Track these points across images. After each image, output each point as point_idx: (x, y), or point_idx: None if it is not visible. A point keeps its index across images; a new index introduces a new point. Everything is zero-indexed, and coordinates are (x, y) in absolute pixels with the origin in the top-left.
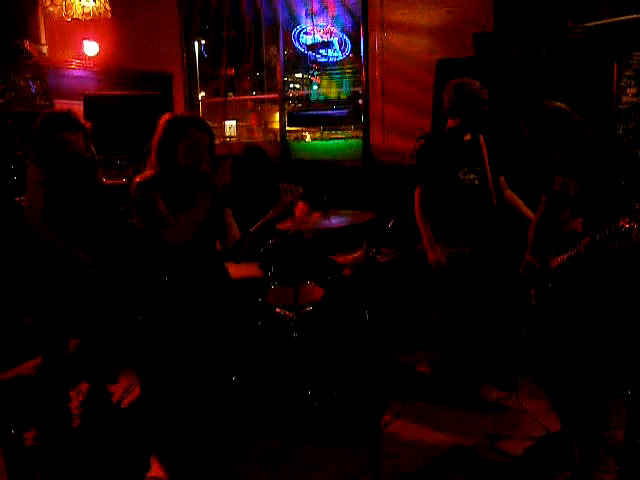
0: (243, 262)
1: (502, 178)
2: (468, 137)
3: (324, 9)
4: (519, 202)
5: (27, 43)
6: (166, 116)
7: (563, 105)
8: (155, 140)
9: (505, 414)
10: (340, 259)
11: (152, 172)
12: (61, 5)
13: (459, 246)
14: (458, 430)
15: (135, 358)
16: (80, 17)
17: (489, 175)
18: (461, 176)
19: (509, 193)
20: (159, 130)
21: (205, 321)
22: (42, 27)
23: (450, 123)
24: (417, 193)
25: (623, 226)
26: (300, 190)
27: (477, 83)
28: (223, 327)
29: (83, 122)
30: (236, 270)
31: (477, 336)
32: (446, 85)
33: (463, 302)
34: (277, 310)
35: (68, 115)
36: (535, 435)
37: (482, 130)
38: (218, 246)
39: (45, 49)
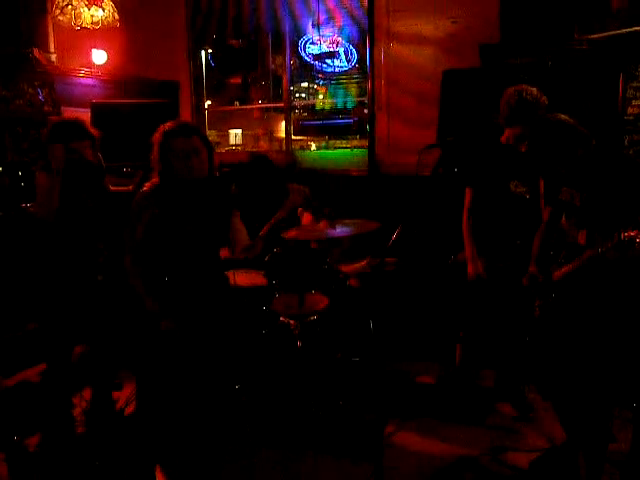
0: (250, 269)
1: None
2: (524, 148)
3: (330, 19)
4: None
5: (36, 51)
6: (159, 130)
7: (567, 117)
8: (153, 156)
9: (510, 427)
10: (345, 269)
11: (156, 181)
12: (70, 14)
13: (501, 260)
14: (461, 442)
15: (134, 364)
16: (89, 26)
17: (542, 190)
18: (512, 187)
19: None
20: (154, 146)
21: (205, 328)
22: (51, 36)
23: (507, 132)
24: (467, 198)
25: (626, 237)
26: (307, 191)
27: (535, 89)
28: (223, 334)
29: (91, 130)
30: (241, 278)
31: (493, 350)
32: (503, 93)
33: (490, 317)
34: (281, 319)
35: (77, 124)
36: (541, 447)
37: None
38: (227, 252)
39: (54, 57)
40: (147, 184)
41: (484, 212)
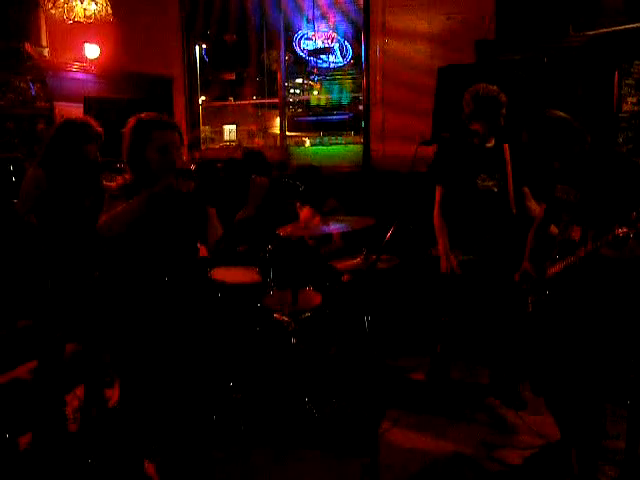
0: (243, 266)
1: (526, 189)
2: (491, 143)
3: (326, 15)
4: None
5: (28, 45)
6: (131, 120)
7: (564, 114)
8: (124, 147)
9: (504, 424)
10: (339, 265)
11: (129, 178)
12: (63, 8)
13: (473, 253)
14: (456, 438)
15: (117, 361)
16: (82, 20)
17: (510, 184)
18: (479, 182)
19: (530, 204)
20: (126, 136)
21: (185, 325)
22: (43, 29)
23: (472, 127)
24: (437, 195)
25: (619, 234)
26: (266, 184)
27: (494, 87)
28: (205, 331)
29: (98, 130)
30: (235, 275)
31: (483, 345)
32: (464, 93)
33: (467, 310)
34: (275, 315)
35: (87, 126)
36: (534, 445)
37: (506, 137)
38: (204, 251)
39: (46, 51)
40: (119, 179)
41: (454, 208)
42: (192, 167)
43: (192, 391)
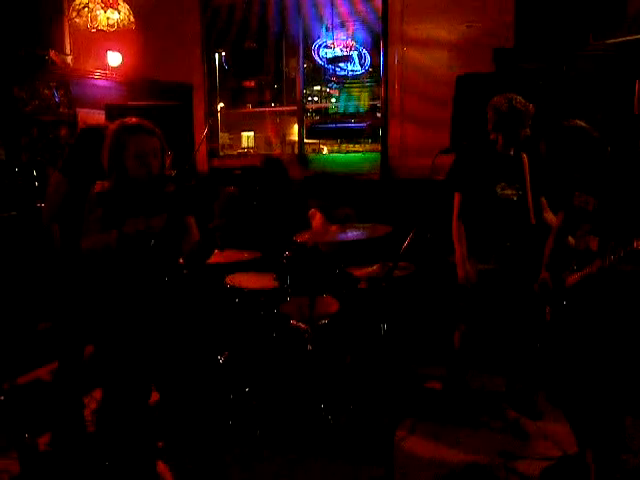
0: (261, 272)
1: (543, 199)
2: (511, 152)
3: (345, 23)
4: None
5: (52, 53)
6: (112, 125)
7: (583, 123)
8: (103, 152)
9: (521, 434)
10: (357, 272)
11: (108, 185)
12: (87, 16)
13: (490, 262)
14: (472, 448)
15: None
16: (105, 28)
17: (529, 193)
18: (498, 190)
19: (547, 214)
20: (106, 141)
21: (164, 327)
22: (67, 37)
23: (493, 137)
24: (456, 202)
25: (638, 248)
26: (236, 193)
27: (520, 98)
28: (178, 332)
29: None
30: (252, 281)
31: (500, 354)
32: (489, 103)
33: (485, 319)
34: (292, 322)
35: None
36: (551, 456)
37: (525, 146)
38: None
39: (70, 59)
40: (98, 185)
41: (473, 216)
42: (173, 173)
43: (199, 392)
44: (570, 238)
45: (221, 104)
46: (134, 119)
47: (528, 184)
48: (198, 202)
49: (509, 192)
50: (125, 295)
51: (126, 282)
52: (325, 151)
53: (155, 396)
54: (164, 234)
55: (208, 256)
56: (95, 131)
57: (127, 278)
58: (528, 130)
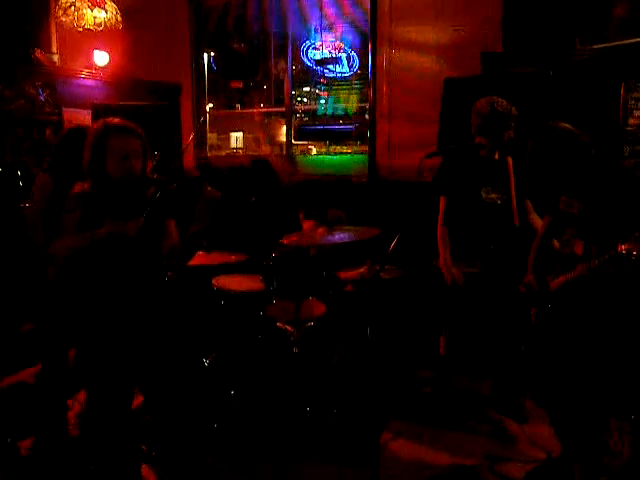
0: (247, 274)
1: (528, 202)
2: (496, 156)
3: (333, 25)
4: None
5: (38, 52)
6: (94, 125)
7: (569, 126)
8: (85, 152)
9: (506, 436)
10: (344, 275)
11: (88, 186)
12: (73, 15)
13: (476, 266)
14: (458, 451)
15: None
16: (91, 27)
17: (513, 196)
18: (483, 194)
19: (533, 217)
20: (88, 140)
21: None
22: (54, 36)
23: (477, 140)
24: (441, 206)
25: (622, 252)
26: (217, 197)
27: (505, 102)
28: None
29: None
30: (238, 282)
31: (485, 357)
32: (473, 106)
33: (470, 322)
34: (278, 324)
35: None
36: (537, 458)
37: (510, 150)
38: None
39: (56, 58)
40: (77, 186)
41: (458, 219)
42: (154, 176)
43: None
44: (555, 241)
45: (210, 105)
46: (117, 119)
47: (513, 187)
48: (178, 206)
49: (494, 196)
50: (103, 297)
51: (103, 284)
52: (314, 152)
53: (139, 399)
54: (138, 239)
55: (188, 259)
56: (81, 131)
57: (103, 280)
58: (512, 132)
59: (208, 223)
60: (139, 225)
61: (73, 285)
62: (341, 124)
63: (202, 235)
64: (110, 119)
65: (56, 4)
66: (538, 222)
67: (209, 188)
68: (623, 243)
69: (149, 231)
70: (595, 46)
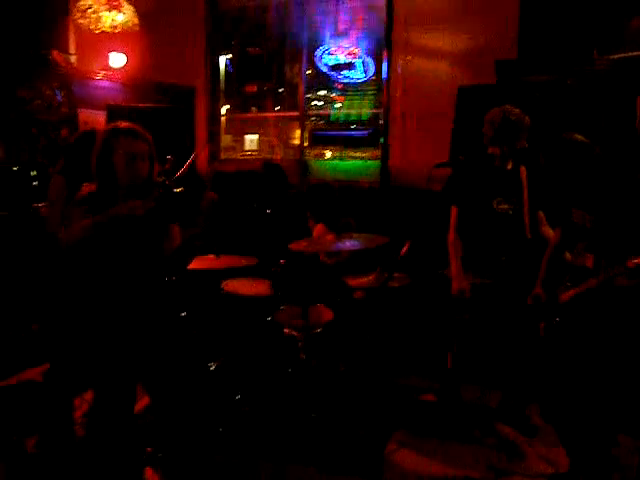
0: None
1: (541, 213)
2: (509, 166)
3: (348, 31)
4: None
5: (55, 53)
6: (103, 128)
7: (582, 137)
8: (93, 155)
9: (513, 450)
10: (352, 282)
11: (95, 188)
12: (91, 17)
13: (486, 276)
14: (463, 463)
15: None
16: (109, 29)
17: (526, 207)
18: (495, 205)
19: (545, 229)
20: (96, 145)
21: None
22: (71, 38)
23: (490, 151)
24: (452, 216)
25: (631, 267)
26: (215, 199)
27: (517, 110)
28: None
29: None
30: (247, 287)
31: (494, 369)
32: (485, 116)
33: (478, 333)
34: (285, 330)
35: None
36: (544, 473)
37: (525, 160)
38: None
39: (73, 59)
40: (85, 188)
41: (469, 230)
42: (161, 179)
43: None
44: (567, 254)
45: (227, 106)
46: (125, 123)
47: (525, 198)
48: (183, 210)
49: (505, 207)
50: (108, 291)
51: (109, 277)
52: (327, 156)
53: (145, 401)
54: (146, 218)
55: (186, 262)
56: (93, 134)
57: (110, 272)
58: (524, 142)
59: (206, 226)
60: (149, 207)
61: (85, 280)
62: (354, 129)
63: (200, 238)
64: (119, 122)
65: (74, 6)
66: (550, 234)
67: (209, 192)
68: (633, 257)
69: (155, 228)
70: (612, 56)
